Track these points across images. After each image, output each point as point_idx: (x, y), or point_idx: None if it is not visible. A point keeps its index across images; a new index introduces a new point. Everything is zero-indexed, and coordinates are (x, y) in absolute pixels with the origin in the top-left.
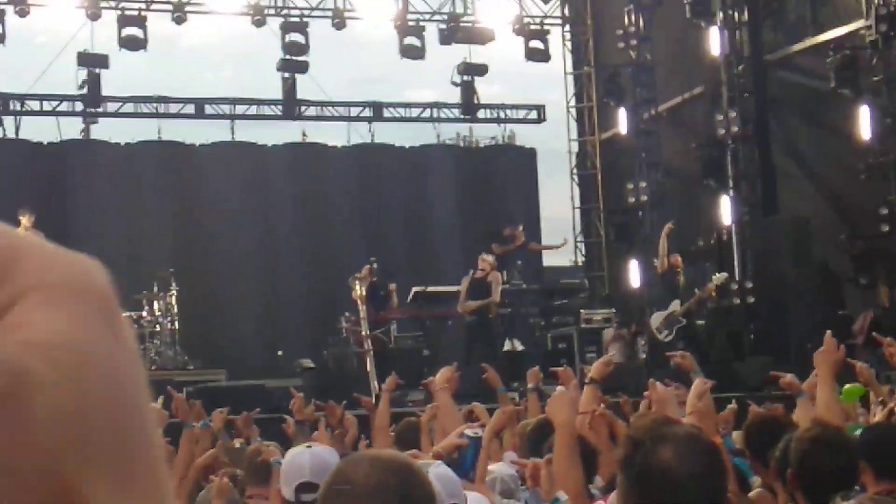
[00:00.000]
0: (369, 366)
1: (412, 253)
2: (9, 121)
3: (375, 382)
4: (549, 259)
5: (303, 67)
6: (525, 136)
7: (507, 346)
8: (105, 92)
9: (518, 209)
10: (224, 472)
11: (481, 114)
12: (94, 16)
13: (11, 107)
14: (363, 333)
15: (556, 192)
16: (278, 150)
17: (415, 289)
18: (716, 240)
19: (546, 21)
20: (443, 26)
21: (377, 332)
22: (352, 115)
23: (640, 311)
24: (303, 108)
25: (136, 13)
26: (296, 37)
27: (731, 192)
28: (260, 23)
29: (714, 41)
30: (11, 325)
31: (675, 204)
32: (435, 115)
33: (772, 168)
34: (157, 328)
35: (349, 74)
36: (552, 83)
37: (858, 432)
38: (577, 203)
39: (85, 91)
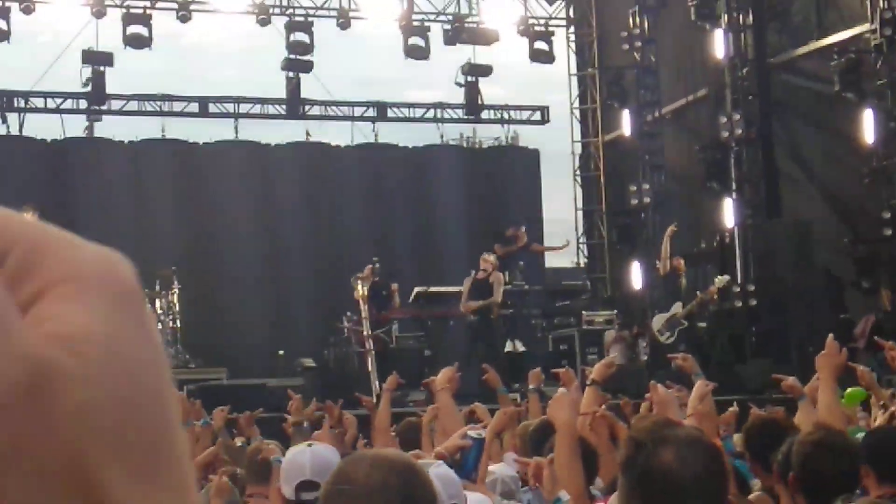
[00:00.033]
0: (370, 365)
1: (416, 253)
2: (13, 118)
3: (377, 382)
4: (552, 260)
5: (307, 67)
6: (528, 137)
7: (508, 347)
8: (109, 90)
9: (521, 210)
10: (224, 471)
11: (485, 115)
12: (99, 13)
13: (16, 104)
14: (364, 333)
15: (559, 193)
16: (282, 149)
17: (416, 289)
18: (718, 242)
19: (551, 22)
20: (447, 27)
21: (378, 332)
22: (356, 114)
23: (641, 313)
24: (307, 107)
25: (140, 11)
26: (300, 36)
27: (735, 195)
28: (265, 22)
29: (718, 44)
30: (38, 317)
31: (678, 206)
32: (439, 115)
33: (775, 171)
34: (159, 326)
35: (353, 74)
36: (556, 84)
37: (860, 436)
38: (580, 204)
39: (89, 89)
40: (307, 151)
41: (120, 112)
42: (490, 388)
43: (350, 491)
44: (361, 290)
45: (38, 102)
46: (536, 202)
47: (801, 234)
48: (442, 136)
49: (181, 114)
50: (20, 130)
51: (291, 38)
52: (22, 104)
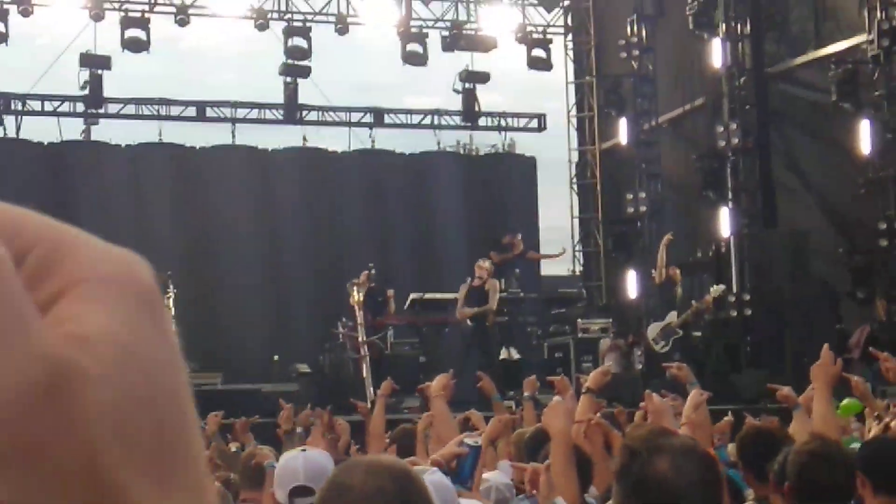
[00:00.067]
0: (365, 372)
1: (413, 259)
2: (10, 120)
3: (371, 388)
4: (547, 268)
5: (305, 72)
6: (525, 144)
7: (503, 355)
8: (107, 93)
9: (517, 217)
10: (217, 476)
11: (482, 121)
12: (98, 17)
13: (13, 106)
14: (360, 339)
15: (556, 200)
16: (280, 154)
17: (412, 295)
18: (714, 252)
19: (549, 30)
20: (445, 33)
21: (374, 338)
22: (353, 120)
23: (637, 322)
24: (304, 112)
25: (139, 15)
26: (298, 41)
27: (731, 205)
28: (263, 26)
29: (716, 53)
30: (57, 317)
31: (675, 215)
32: (436, 122)
33: (771, 181)
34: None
35: (351, 80)
36: (553, 92)
37: (854, 446)
38: (576, 212)
39: (87, 92)
40: (305, 157)
41: (117, 116)
42: (484, 395)
43: (346, 496)
44: (357, 295)
45: (35, 105)
46: (533, 209)
47: (796, 244)
48: (439, 143)
49: (178, 118)
50: (17, 133)
51: (289, 43)
52: (19, 107)
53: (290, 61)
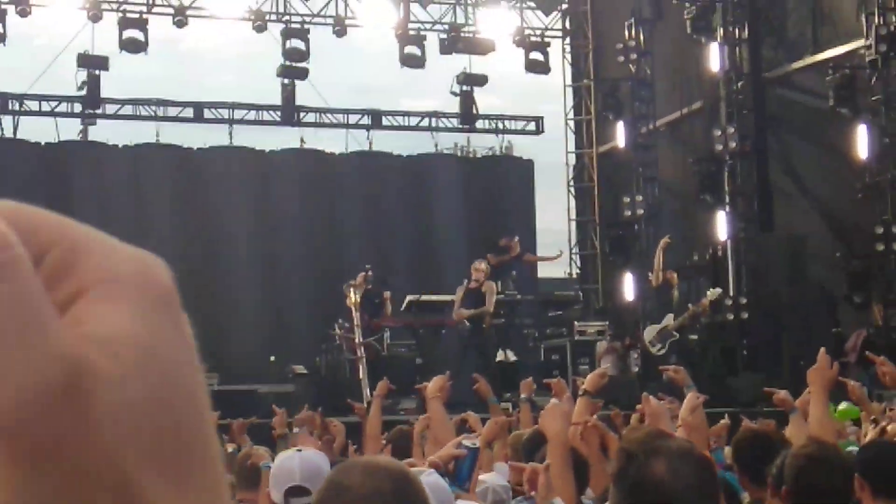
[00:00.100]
0: (362, 373)
1: (411, 260)
2: (7, 120)
3: (368, 390)
4: (544, 270)
5: (303, 74)
6: (523, 147)
7: (500, 357)
8: (104, 94)
9: (514, 220)
10: None
11: (480, 124)
12: (96, 17)
13: (10, 106)
14: (356, 341)
15: (553, 203)
16: (278, 156)
17: (409, 297)
18: (711, 255)
19: (547, 33)
20: (443, 36)
21: (370, 340)
22: (350, 122)
23: (633, 325)
24: (302, 114)
25: (137, 16)
26: (296, 43)
27: (728, 208)
28: (261, 28)
29: (714, 57)
30: (75, 318)
31: (672, 218)
32: (433, 124)
33: (769, 185)
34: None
35: (349, 82)
36: (551, 95)
37: (850, 450)
38: (574, 215)
39: (84, 92)
40: (303, 158)
41: (115, 116)
42: (481, 397)
43: (344, 497)
44: (354, 297)
45: (32, 105)
46: (530, 212)
47: (793, 248)
48: (436, 145)
49: (176, 119)
50: (14, 133)
51: (287, 44)
52: (17, 107)
53: (287, 63)
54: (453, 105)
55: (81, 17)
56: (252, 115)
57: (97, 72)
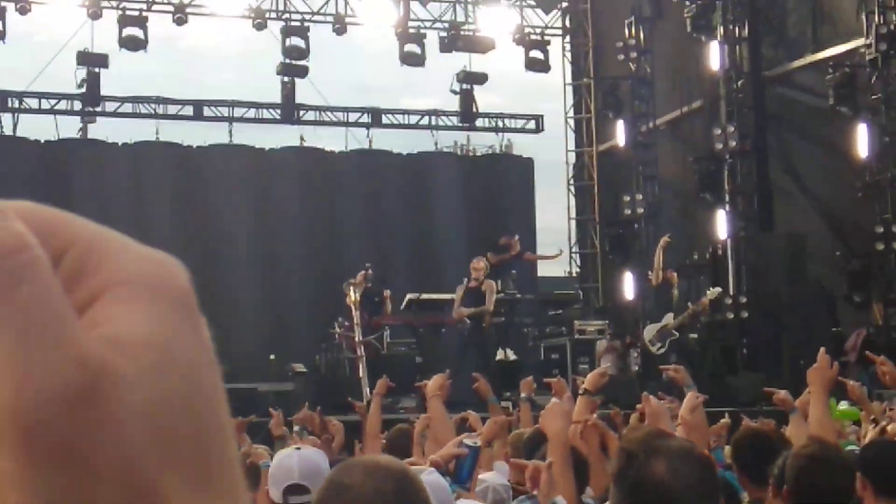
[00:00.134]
0: (362, 372)
1: (411, 259)
2: (7, 118)
3: (368, 389)
4: (544, 269)
5: (302, 72)
6: (523, 145)
7: (499, 356)
8: (104, 91)
9: (514, 219)
10: None
11: (480, 122)
12: (95, 15)
13: (10, 104)
14: (356, 339)
15: (553, 202)
16: (277, 154)
17: (409, 295)
18: (711, 254)
19: (547, 32)
20: (443, 34)
21: (370, 338)
22: (350, 120)
23: (633, 324)
24: (301, 112)
25: (136, 13)
26: (296, 41)
27: (728, 207)
28: (261, 26)
29: (714, 56)
30: (93, 319)
31: (672, 217)
32: (433, 122)
33: (769, 184)
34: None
35: (349, 80)
36: (551, 94)
37: (849, 449)
38: (573, 214)
39: (84, 90)
40: (303, 156)
41: (114, 114)
42: (481, 397)
43: (344, 497)
44: (353, 295)
45: (32, 103)
46: (530, 211)
47: (793, 247)
48: (436, 144)
49: (176, 117)
50: (14, 131)
51: (287, 42)
52: (16, 104)
53: (287, 61)
54: (453, 103)
55: (81, 15)
56: (252, 113)
57: (97, 69)
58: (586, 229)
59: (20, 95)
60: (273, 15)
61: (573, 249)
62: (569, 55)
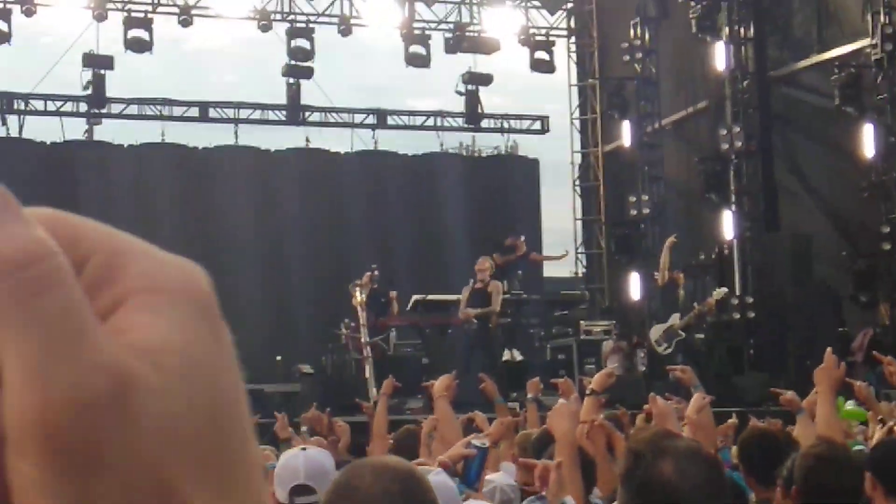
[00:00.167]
0: (368, 372)
1: (416, 260)
2: (13, 120)
3: (374, 389)
4: (550, 270)
5: (308, 73)
6: (528, 146)
7: (506, 356)
8: (109, 93)
9: (520, 219)
10: None
11: (485, 123)
12: (101, 17)
13: (16, 106)
14: (362, 340)
15: (559, 203)
16: (283, 155)
17: (415, 296)
18: (717, 254)
19: (552, 32)
20: (448, 35)
21: (376, 339)
22: (355, 121)
23: (639, 324)
24: (307, 113)
25: (142, 15)
26: (301, 42)
27: (734, 207)
28: (266, 28)
29: (719, 56)
30: (117, 327)
31: (677, 217)
32: (438, 123)
33: (774, 184)
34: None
35: (354, 81)
36: (556, 94)
37: (857, 449)
38: (579, 214)
39: (89, 92)
40: (308, 158)
41: (120, 116)
42: (487, 397)
43: (352, 498)
44: (360, 296)
45: (38, 105)
46: (535, 211)
47: (799, 247)
48: (442, 145)
49: (181, 118)
50: (20, 132)
51: (292, 44)
52: (22, 106)
53: (293, 62)
54: (458, 104)
55: (86, 17)
56: (257, 114)
57: (102, 71)
58: (592, 230)
59: (26, 97)
60: (278, 16)
61: (579, 250)
62: (574, 56)
